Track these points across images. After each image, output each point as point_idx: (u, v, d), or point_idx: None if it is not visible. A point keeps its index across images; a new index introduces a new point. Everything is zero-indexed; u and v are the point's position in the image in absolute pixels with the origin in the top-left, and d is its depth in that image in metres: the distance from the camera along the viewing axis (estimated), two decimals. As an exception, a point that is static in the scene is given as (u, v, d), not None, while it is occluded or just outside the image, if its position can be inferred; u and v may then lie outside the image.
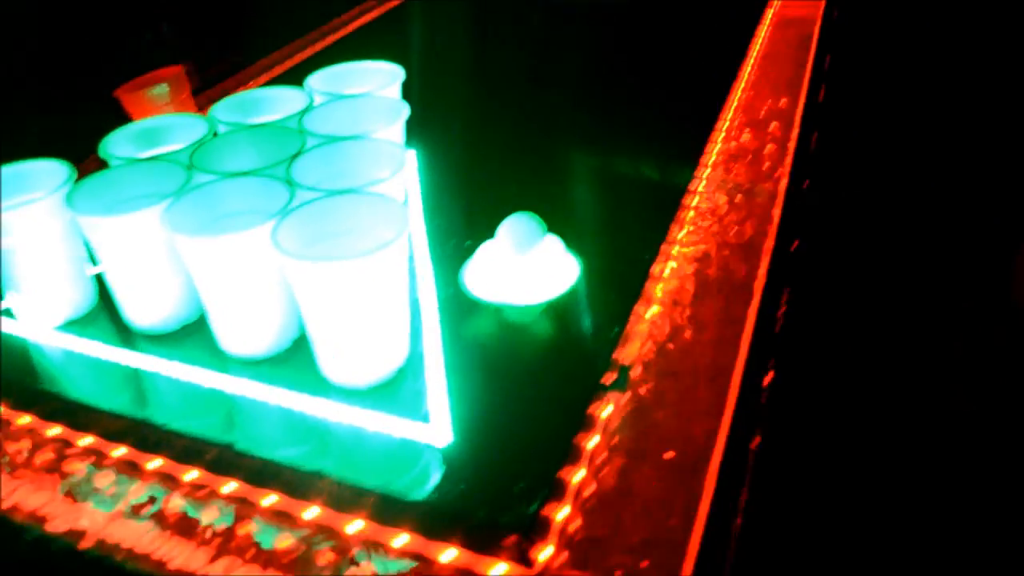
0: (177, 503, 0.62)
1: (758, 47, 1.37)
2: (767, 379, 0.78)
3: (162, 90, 0.95)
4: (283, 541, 0.59)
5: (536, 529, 0.56)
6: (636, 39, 1.58)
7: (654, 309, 0.76)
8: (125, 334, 0.77)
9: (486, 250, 0.80)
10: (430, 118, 1.19)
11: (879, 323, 1.82)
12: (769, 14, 1.52)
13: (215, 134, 0.81)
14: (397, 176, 0.70)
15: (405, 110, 0.83)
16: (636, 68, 1.42)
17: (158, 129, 0.82)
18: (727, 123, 1.10)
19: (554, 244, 0.80)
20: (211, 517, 0.61)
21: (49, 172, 0.75)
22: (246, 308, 0.68)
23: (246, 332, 0.70)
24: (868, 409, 1.43)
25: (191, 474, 0.65)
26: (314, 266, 0.59)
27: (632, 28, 1.63)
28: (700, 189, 0.95)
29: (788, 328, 0.82)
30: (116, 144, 0.79)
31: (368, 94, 0.86)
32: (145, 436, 0.66)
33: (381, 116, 0.82)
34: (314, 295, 0.61)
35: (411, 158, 1.03)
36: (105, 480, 0.65)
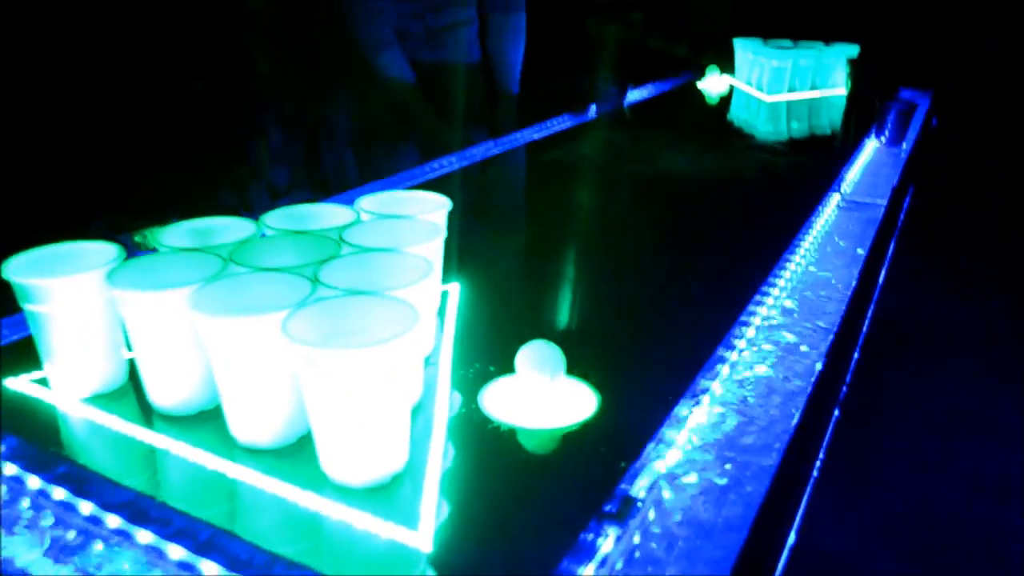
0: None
1: (820, 224, 1.39)
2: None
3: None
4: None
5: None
6: (694, 206, 1.64)
7: (667, 448, 0.76)
8: (147, 414, 0.79)
9: (508, 377, 0.81)
10: (475, 257, 1.25)
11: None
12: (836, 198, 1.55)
13: (262, 236, 0.86)
14: (420, 284, 0.72)
15: (442, 230, 0.87)
16: (693, 228, 1.47)
17: (211, 229, 0.87)
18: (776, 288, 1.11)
19: (573, 379, 0.81)
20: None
21: (101, 252, 0.79)
22: (255, 395, 0.70)
23: (254, 420, 0.71)
24: None
25: (178, 551, 0.65)
26: (314, 352, 0.60)
27: (697, 198, 1.70)
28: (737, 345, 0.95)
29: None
30: (169, 236, 0.84)
31: (411, 216, 0.90)
32: (143, 509, 0.68)
33: (419, 235, 0.85)
34: (313, 383, 0.63)
35: (453, 290, 1.07)
36: (96, 547, 0.66)
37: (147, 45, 2.22)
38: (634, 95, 2.76)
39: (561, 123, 2.27)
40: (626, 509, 0.67)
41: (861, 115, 2.40)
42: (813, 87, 2.76)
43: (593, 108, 2.40)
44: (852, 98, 2.70)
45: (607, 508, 0.66)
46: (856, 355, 1.09)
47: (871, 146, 2.03)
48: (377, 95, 2.08)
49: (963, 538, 1.98)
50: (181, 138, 2.27)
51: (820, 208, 1.46)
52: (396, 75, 2.02)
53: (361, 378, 0.62)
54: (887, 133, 2.04)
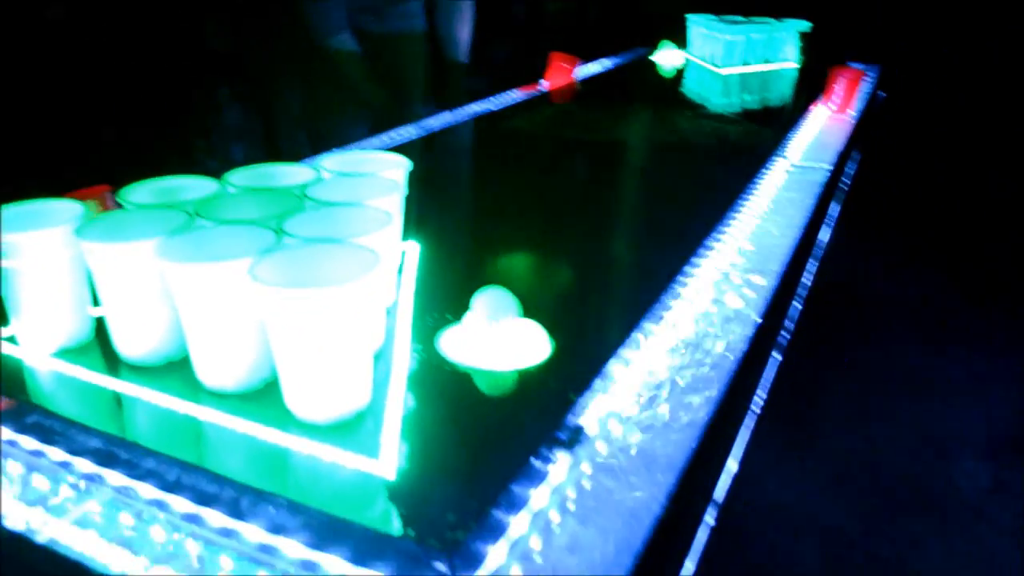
0: (128, 517, 0.66)
1: (766, 186, 1.44)
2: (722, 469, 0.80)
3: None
4: (225, 560, 0.62)
5: (465, 562, 0.58)
6: (646, 170, 1.69)
7: (616, 382, 0.80)
8: (114, 366, 0.82)
9: (463, 321, 0.85)
10: (434, 218, 1.29)
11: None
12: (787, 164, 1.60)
13: (226, 193, 0.88)
14: (381, 233, 0.76)
15: (402, 187, 0.90)
16: (644, 190, 1.52)
17: (176, 188, 0.90)
18: (721, 240, 1.16)
19: (526, 321, 0.85)
20: (160, 534, 0.64)
21: (66, 209, 0.82)
22: (222, 340, 0.73)
23: (221, 365, 0.74)
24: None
25: (147, 488, 0.68)
26: (279, 293, 0.64)
27: (649, 164, 1.75)
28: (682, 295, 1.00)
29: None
30: (135, 193, 0.86)
31: (371, 174, 0.93)
32: (113, 454, 0.71)
33: (379, 191, 0.89)
34: (280, 325, 0.66)
35: (412, 248, 1.10)
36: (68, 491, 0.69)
37: (108, 23, 2.21)
38: (589, 69, 2.80)
39: (514, 98, 2.30)
40: (575, 437, 0.71)
41: (811, 87, 2.46)
42: (765, 61, 2.81)
43: (544, 83, 2.44)
44: (803, 71, 2.77)
45: (558, 436, 0.70)
46: (800, 306, 1.14)
47: (821, 114, 2.09)
48: (328, 72, 2.12)
49: (906, 490, 2.06)
50: (138, 115, 2.27)
51: (767, 171, 1.51)
52: (345, 52, 2.07)
53: (326, 318, 0.65)
54: (837, 100, 2.10)
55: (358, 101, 2.15)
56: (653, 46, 3.09)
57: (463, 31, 2.38)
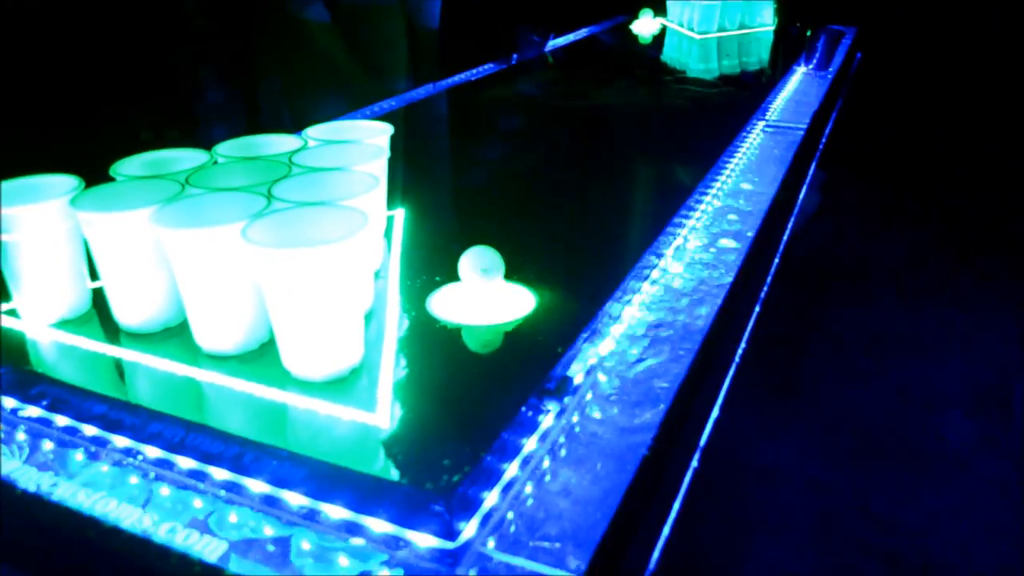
0: (136, 476, 0.68)
1: (745, 147, 1.47)
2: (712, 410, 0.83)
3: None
4: (232, 514, 0.65)
5: (461, 505, 0.61)
6: (628, 135, 1.71)
7: (601, 335, 0.83)
8: (113, 335, 0.84)
9: (452, 284, 0.88)
10: (419, 185, 1.32)
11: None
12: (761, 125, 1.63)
13: (215, 163, 0.91)
14: (367, 195, 0.78)
15: (386, 151, 0.93)
16: (625, 153, 1.54)
17: (166, 160, 0.92)
18: (702, 203, 1.19)
19: (513, 282, 0.88)
20: (167, 491, 0.67)
21: (61, 183, 0.84)
22: (219, 304, 0.75)
23: (218, 328, 0.77)
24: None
25: (153, 450, 0.71)
26: (272, 253, 0.66)
27: (629, 128, 1.77)
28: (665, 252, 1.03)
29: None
30: (126, 167, 0.88)
31: (356, 140, 0.96)
32: (118, 418, 0.73)
33: (364, 156, 0.91)
34: (274, 285, 0.69)
35: (399, 215, 1.13)
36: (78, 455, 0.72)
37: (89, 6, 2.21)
38: (567, 38, 2.81)
39: (489, 69, 2.32)
40: (563, 386, 0.74)
41: (788, 49, 2.48)
42: (742, 26, 2.83)
43: (515, 57, 2.45)
44: (779, 34, 2.79)
45: (546, 386, 0.73)
46: (780, 263, 1.17)
47: (797, 75, 2.11)
48: (305, 46, 2.13)
49: (892, 446, 2.10)
50: (120, 95, 2.28)
51: (745, 133, 1.54)
52: (320, 24, 2.08)
53: (317, 276, 0.68)
54: (815, 59, 2.13)
55: (337, 74, 2.16)
56: (633, 14, 3.11)
57: (435, 5, 2.39)
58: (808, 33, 2.16)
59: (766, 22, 2.87)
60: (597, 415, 0.73)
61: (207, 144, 0.96)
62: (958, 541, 1.76)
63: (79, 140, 2.01)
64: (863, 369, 2.43)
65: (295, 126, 1.98)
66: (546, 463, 0.68)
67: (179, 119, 2.49)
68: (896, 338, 2.61)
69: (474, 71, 2.28)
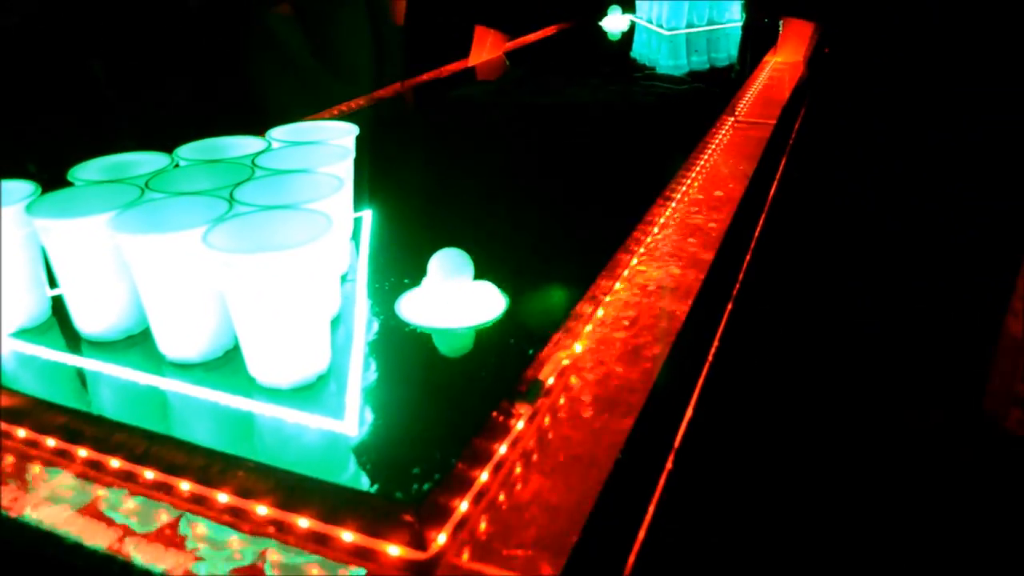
0: (100, 490, 0.67)
1: (716, 142, 1.47)
2: (685, 419, 0.83)
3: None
4: (198, 526, 0.63)
5: (432, 514, 0.60)
6: (598, 133, 1.71)
7: (572, 337, 0.82)
8: (74, 344, 0.82)
9: (421, 284, 0.87)
10: (386, 187, 1.30)
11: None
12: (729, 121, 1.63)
13: (176, 166, 0.89)
14: (332, 198, 0.77)
15: (352, 152, 0.91)
16: (594, 151, 1.54)
17: (126, 163, 0.90)
18: (672, 202, 1.18)
19: (482, 283, 0.86)
20: (131, 505, 0.65)
21: (17, 188, 0.82)
22: (182, 311, 0.73)
23: (182, 336, 0.75)
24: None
25: (115, 462, 0.69)
26: (234, 259, 0.65)
27: (598, 125, 1.77)
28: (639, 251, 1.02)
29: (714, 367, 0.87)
30: (85, 171, 0.86)
31: (320, 142, 0.94)
32: (79, 429, 0.71)
33: (329, 158, 0.89)
34: (237, 291, 0.67)
35: (367, 217, 1.11)
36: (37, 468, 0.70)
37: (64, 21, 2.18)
38: (536, 36, 2.81)
39: (452, 69, 2.30)
40: (535, 389, 0.73)
41: (756, 44, 2.49)
42: (711, 22, 2.84)
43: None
44: (747, 29, 2.80)
45: (517, 390, 0.72)
46: (752, 259, 1.17)
47: (765, 67, 2.12)
48: (270, 46, 2.11)
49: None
50: (83, 95, 2.24)
51: (714, 129, 1.54)
52: (286, 25, 2.05)
53: (281, 282, 0.66)
54: (787, 50, 2.19)
55: (302, 74, 2.14)
56: (602, 11, 3.10)
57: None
58: (780, 26, 2.20)
59: (734, 18, 2.88)
60: (570, 419, 0.72)
61: (175, 142, 0.94)
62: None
63: (35, 143, 1.97)
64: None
65: (261, 125, 1.97)
66: (518, 469, 0.67)
67: (139, 120, 2.45)
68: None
69: (442, 67, 2.26)
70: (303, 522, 0.62)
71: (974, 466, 2.02)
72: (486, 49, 2.26)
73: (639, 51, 2.64)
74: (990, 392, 2.22)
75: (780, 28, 2.20)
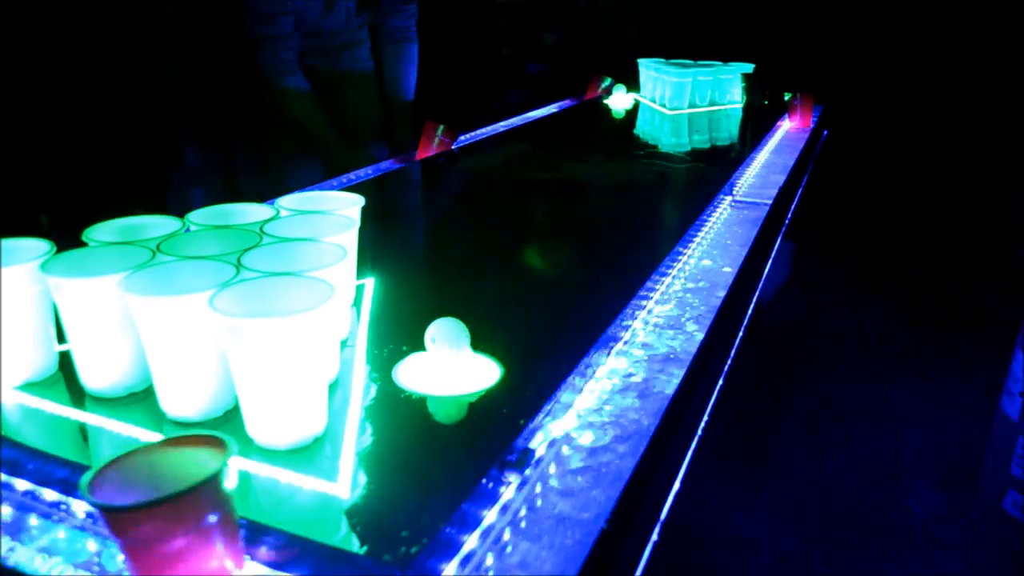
0: (94, 542, 0.68)
1: (712, 221, 1.50)
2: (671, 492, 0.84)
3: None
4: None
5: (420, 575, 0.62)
6: (598, 208, 1.75)
7: (564, 408, 0.84)
8: (78, 398, 0.84)
9: (419, 354, 0.89)
10: (389, 256, 1.34)
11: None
12: (727, 201, 1.67)
13: (187, 231, 0.92)
14: (335, 267, 0.79)
15: (356, 222, 0.94)
16: (593, 226, 1.57)
17: (139, 226, 0.93)
18: (669, 278, 1.21)
19: (479, 354, 0.89)
20: (122, 558, 0.66)
21: (31, 247, 0.85)
22: (185, 371, 0.76)
23: (184, 395, 0.77)
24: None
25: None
26: (238, 323, 0.67)
27: (598, 200, 1.81)
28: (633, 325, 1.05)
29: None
30: (99, 232, 0.89)
31: (327, 211, 0.97)
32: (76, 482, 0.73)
33: (335, 227, 0.93)
34: (239, 354, 0.70)
35: (369, 284, 1.14)
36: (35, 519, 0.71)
37: (71, 69, 2.25)
38: (545, 110, 2.87)
39: (460, 142, 2.36)
40: (524, 458, 0.75)
41: (756, 124, 2.55)
42: (712, 102, 2.90)
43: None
44: (747, 109, 2.87)
45: (508, 459, 0.74)
46: (746, 337, 1.19)
47: (766, 151, 2.17)
48: (283, 115, 2.16)
49: (860, 517, 2.11)
50: (102, 158, 2.30)
51: (712, 207, 1.57)
52: (298, 94, 2.10)
53: (282, 346, 0.69)
54: (797, 119, 2.33)
55: (313, 144, 2.19)
56: (608, 90, 3.19)
57: (409, 73, 2.44)
58: (787, 97, 2.32)
59: (735, 99, 2.95)
60: (558, 487, 0.74)
61: (186, 206, 0.97)
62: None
63: (54, 204, 2.02)
64: (830, 440, 2.45)
65: (271, 193, 2.01)
66: (506, 535, 0.68)
67: (154, 184, 2.51)
68: (863, 408, 2.64)
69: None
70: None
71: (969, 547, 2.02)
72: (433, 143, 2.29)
73: (643, 129, 2.70)
74: (985, 474, 2.23)
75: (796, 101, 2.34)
